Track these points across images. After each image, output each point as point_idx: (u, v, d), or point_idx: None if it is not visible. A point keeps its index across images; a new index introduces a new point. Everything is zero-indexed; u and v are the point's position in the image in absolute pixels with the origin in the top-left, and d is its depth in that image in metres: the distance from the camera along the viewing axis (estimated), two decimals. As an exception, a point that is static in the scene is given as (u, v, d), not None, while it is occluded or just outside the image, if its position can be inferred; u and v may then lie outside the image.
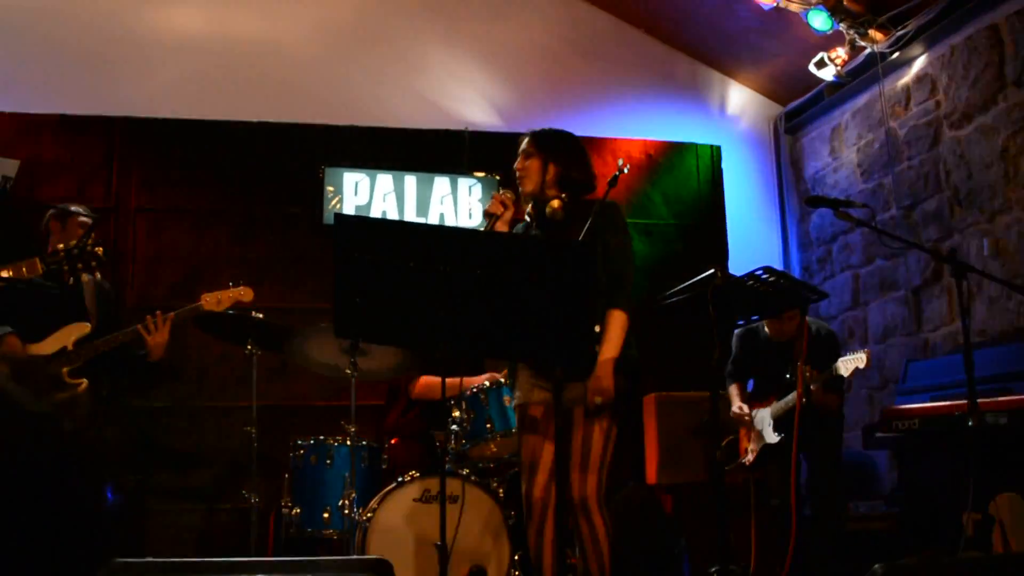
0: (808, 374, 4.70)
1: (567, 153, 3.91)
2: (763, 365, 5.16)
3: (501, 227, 3.81)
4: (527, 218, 3.93)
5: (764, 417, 5.02)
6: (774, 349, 5.07)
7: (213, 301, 4.71)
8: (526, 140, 3.95)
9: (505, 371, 4.98)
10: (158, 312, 4.51)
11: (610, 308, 3.70)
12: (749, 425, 5.10)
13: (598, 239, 3.64)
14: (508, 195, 3.83)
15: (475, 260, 2.89)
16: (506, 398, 4.48)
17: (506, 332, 2.95)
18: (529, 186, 3.87)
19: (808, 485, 4.92)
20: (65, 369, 4.28)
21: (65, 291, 4.36)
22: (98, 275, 4.37)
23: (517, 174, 3.88)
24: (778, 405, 4.94)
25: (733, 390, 5.24)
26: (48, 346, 4.32)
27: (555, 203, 3.79)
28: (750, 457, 5.05)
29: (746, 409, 5.07)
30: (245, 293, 4.80)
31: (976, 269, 4.08)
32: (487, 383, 4.62)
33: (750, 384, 5.40)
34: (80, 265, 3.86)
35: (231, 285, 4.78)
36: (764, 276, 3.55)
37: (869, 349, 4.82)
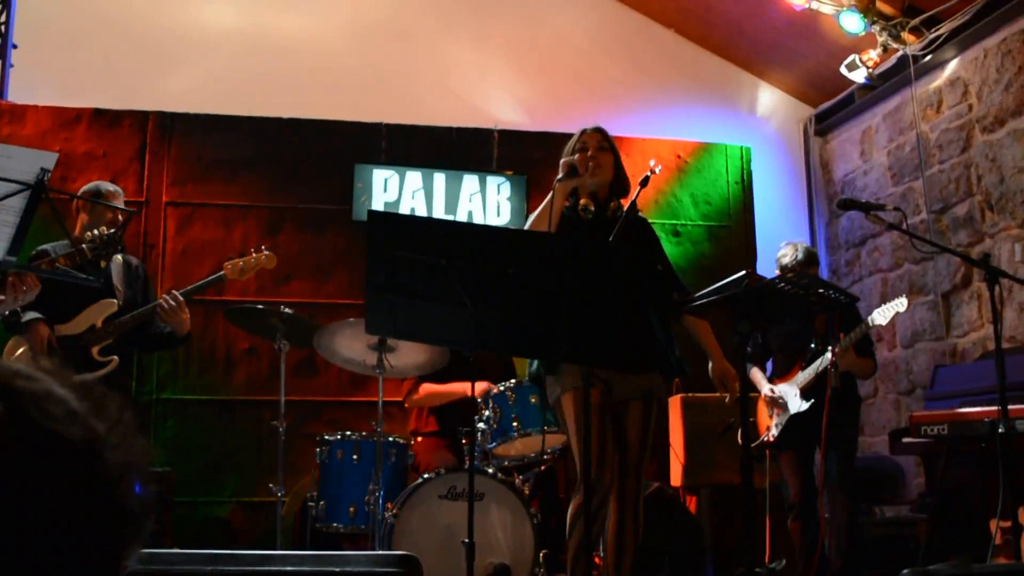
0: (839, 346, 4.69)
1: (620, 160, 3.99)
2: (783, 340, 5.12)
3: (568, 186, 3.78)
4: (581, 212, 3.85)
5: (788, 390, 4.97)
6: (791, 327, 5.03)
7: (236, 269, 4.67)
8: (600, 133, 3.93)
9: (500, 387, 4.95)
10: (172, 291, 4.51)
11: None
12: (776, 403, 5.04)
13: (644, 244, 3.79)
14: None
15: (508, 258, 2.90)
16: (532, 397, 4.49)
17: (538, 332, 2.96)
18: (602, 176, 3.86)
19: (827, 469, 4.84)
20: (96, 348, 4.31)
21: (90, 270, 4.35)
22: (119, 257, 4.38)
23: (589, 163, 3.77)
24: (806, 373, 4.90)
25: (756, 374, 5.18)
26: (77, 326, 4.34)
27: (612, 204, 3.87)
28: (774, 432, 4.99)
29: (776, 391, 5.01)
30: (268, 259, 4.74)
31: (1008, 274, 4.05)
32: (501, 388, 4.62)
33: (768, 367, 5.36)
34: (109, 250, 3.85)
35: (253, 252, 4.74)
36: (794, 279, 3.54)
37: (906, 296, 4.81)
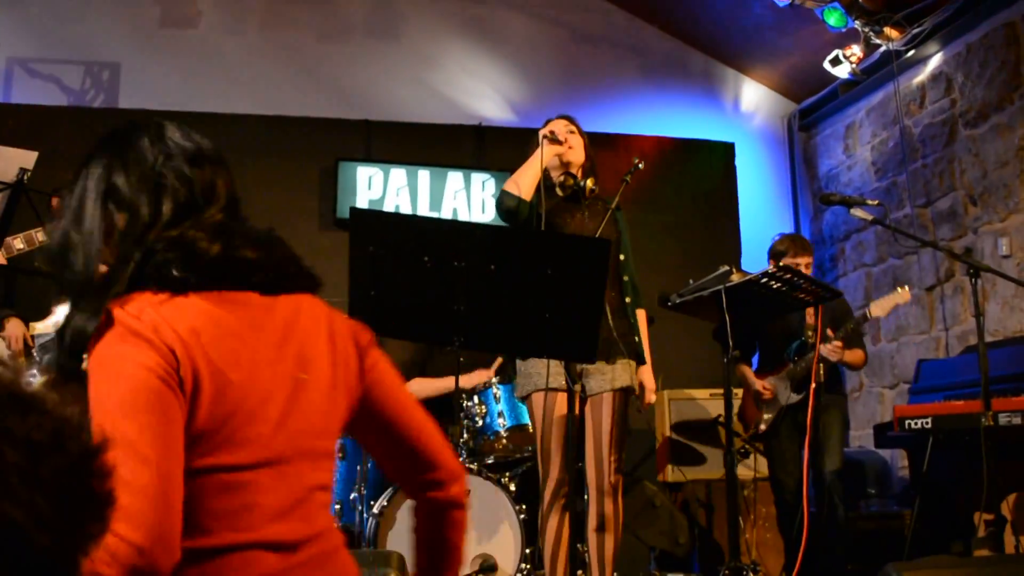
0: (830, 339, 4.68)
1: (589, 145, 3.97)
2: (770, 336, 5.11)
3: (553, 150, 3.78)
4: (559, 190, 3.82)
5: (778, 383, 4.97)
6: (781, 319, 5.04)
7: None
8: (567, 119, 3.95)
9: (493, 369, 4.94)
10: None
11: (638, 308, 3.83)
12: (766, 396, 5.03)
13: (620, 237, 3.78)
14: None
15: (491, 255, 2.89)
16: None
17: (521, 328, 2.96)
18: (577, 158, 3.86)
19: (814, 462, 4.82)
20: None
21: None
22: None
23: (566, 143, 3.80)
24: (798, 366, 4.89)
25: (745, 370, 5.18)
26: (51, 324, 4.31)
27: (591, 182, 3.82)
28: (763, 426, 5.00)
29: (768, 384, 5.01)
30: None
31: (991, 268, 4.07)
32: (490, 380, 4.62)
33: (754, 363, 5.35)
34: None
35: None
36: (778, 274, 3.54)
37: (907, 285, 4.78)
